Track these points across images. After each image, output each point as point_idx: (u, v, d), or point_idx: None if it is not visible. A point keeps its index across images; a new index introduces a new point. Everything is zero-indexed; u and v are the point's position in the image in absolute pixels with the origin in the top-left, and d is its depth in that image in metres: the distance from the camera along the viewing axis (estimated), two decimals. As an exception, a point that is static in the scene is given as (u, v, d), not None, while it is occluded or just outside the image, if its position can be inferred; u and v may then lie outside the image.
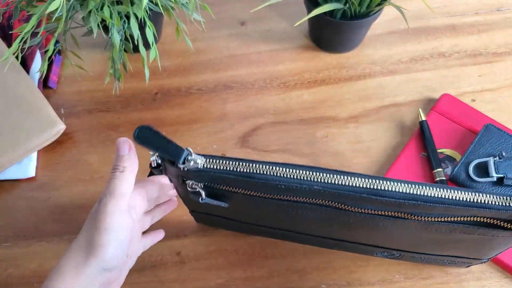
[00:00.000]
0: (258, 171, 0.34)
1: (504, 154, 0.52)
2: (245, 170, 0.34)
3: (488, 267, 0.50)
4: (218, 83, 0.62)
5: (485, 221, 0.34)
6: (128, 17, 0.52)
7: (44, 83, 0.62)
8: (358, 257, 0.51)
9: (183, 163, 0.34)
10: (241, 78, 0.63)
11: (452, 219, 0.34)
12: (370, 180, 0.33)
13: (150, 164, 0.37)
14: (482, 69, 0.61)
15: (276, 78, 0.62)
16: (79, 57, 0.56)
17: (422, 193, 0.32)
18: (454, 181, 0.53)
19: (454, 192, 0.32)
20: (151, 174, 0.46)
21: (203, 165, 0.34)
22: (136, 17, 0.50)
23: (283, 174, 0.34)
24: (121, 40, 0.52)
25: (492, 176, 0.51)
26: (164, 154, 0.34)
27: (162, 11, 0.52)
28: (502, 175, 0.51)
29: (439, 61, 0.62)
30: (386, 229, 0.37)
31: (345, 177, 0.33)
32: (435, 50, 0.63)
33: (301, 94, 0.61)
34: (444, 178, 0.52)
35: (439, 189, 0.32)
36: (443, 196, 0.32)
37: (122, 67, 0.57)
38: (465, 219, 0.34)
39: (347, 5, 0.54)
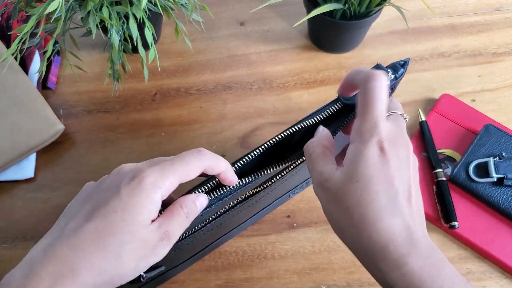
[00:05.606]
0: None
1: (504, 154, 0.52)
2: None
3: (488, 268, 0.50)
4: (217, 83, 0.62)
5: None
6: (127, 18, 0.51)
7: (43, 84, 0.62)
8: (358, 258, 0.51)
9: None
10: (241, 79, 0.63)
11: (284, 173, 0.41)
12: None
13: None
14: (482, 69, 0.61)
15: (276, 79, 0.62)
16: (78, 57, 0.56)
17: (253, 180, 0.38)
18: (454, 182, 0.52)
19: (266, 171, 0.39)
20: None
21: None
22: (135, 18, 0.50)
23: None
24: (120, 40, 0.52)
25: (492, 177, 0.51)
26: None
27: (161, 12, 0.52)
28: (502, 176, 0.51)
29: (438, 61, 0.62)
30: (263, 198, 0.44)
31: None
32: (434, 50, 0.63)
33: (300, 95, 0.61)
34: (444, 179, 0.52)
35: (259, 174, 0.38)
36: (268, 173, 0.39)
37: (121, 68, 0.57)
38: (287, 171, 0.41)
39: (347, 5, 0.54)
